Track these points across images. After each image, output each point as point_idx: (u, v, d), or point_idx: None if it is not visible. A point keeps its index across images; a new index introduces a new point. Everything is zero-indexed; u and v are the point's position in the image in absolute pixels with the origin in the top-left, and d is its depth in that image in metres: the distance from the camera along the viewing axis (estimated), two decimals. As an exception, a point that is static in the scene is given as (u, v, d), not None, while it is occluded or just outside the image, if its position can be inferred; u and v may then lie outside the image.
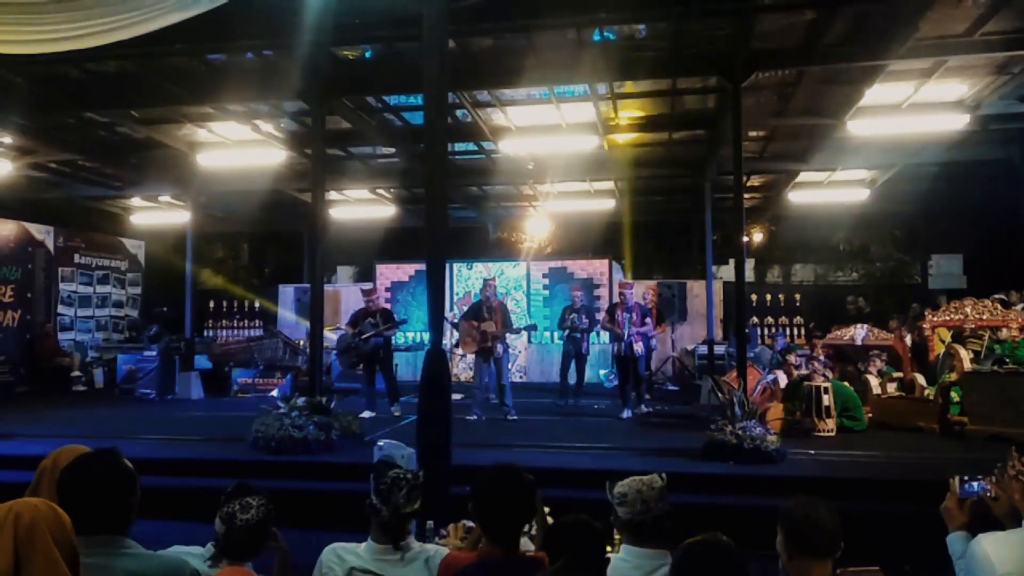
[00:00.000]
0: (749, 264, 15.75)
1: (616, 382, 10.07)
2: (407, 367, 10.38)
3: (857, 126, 9.85)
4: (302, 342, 12.31)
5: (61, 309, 14.12)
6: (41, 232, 13.86)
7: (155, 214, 15.49)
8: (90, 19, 5.13)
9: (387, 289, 14.28)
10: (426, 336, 7.43)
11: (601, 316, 11.72)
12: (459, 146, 11.83)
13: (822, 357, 8.93)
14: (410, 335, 13.50)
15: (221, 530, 2.37)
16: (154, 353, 11.50)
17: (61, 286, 14.12)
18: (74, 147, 11.39)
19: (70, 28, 5.17)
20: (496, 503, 2.39)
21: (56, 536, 1.63)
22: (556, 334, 11.16)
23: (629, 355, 8.89)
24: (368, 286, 14.15)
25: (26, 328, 13.21)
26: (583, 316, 9.93)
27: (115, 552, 2.05)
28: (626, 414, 8.96)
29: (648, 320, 8.97)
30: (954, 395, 7.93)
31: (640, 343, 8.86)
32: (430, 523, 3.34)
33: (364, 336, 9.03)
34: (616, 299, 9.48)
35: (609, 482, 2.55)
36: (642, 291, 12.55)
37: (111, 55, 7.34)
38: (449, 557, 2.40)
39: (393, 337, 9.58)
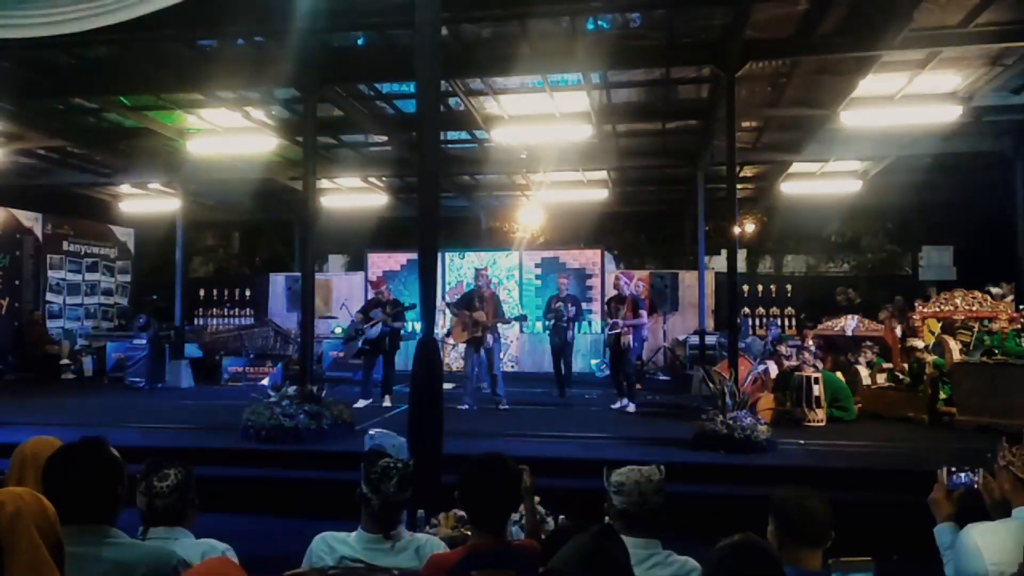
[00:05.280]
0: (741, 255, 15.80)
1: (608, 372, 10.07)
2: (399, 357, 10.40)
3: (850, 117, 9.85)
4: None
5: (50, 296, 14.02)
6: (29, 219, 13.75)
7: (145, 202, 15.37)
8: (78, 3, 5.07)
9: (378, 278, 14.22)
10: (418, 326, 7.40)
11: (590, 305, 11.73)
12: (452, 134, 11.78)
13: (813, 348, 8.97)
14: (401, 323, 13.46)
15: (143, 503, 2.39)
16: (144, 341, 11.43)
17: (50, 273, 14.02)
18: (62, 133, 11.29)
19: (58, 12, 5.11)
20: (480, 491, 2.39)
21: (40, 526, 1.61)
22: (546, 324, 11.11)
23: (616, 347, 8.89)
24: (359, 275, 14.14)
25: (14, 315, 13.12)
26: (569, 305, 9.90)
27: (101, 542, 2.03)
28: (620, 404, 8.95)
29: (642, 311, 8.89)
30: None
31: (630, 335, 8.80)
32: (421, 512, 3.34)
33: (372, 322, 9.01)
34: (612, 291, 9.43)
35: (607, 468, 2.54)
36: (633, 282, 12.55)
37: (100, 40, 7.28)
38: (435, 557, 2.39)
39: (402, 328, 9.55)
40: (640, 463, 2.55)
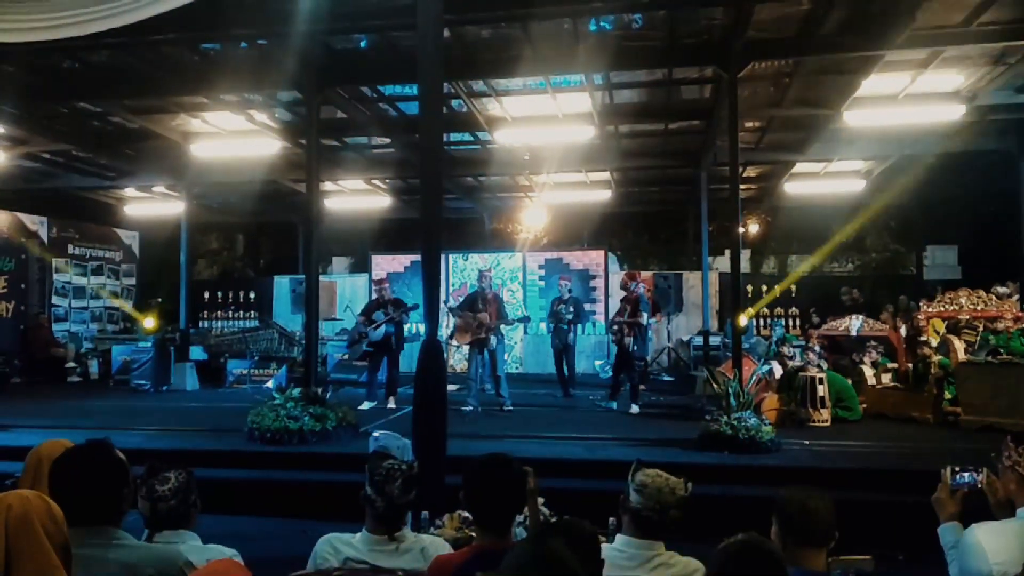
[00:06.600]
0: (745, 255, 15.76)
1: (610, 373, 10.08)
2: (403, 358, 10.45)
3: (853, 117, 9.83)
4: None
5: (55, 300, 14.07)
6: (35, 223, 13.80)
7: (149, 205, 15.42)
8: (83, 6, 5.09)
9: (380, 278, 14.22)
10: (422, 327, 7.40)
11: (594, 306, 11.71)
12: (455, 136, 11.78)
13: (817, 348, 8.95)
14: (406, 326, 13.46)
15: (145, 508, 2.38)
16: (149, 344, 11.48)
17: (55, 277, 14.07)
18: (67, 137, 11.32)
19: (62, 16, 5.13)
20: (486, 492, 2.39)
21: (48, 528, 1.63)
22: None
23: (620, 349, 8.90)
24: (363, 276, 14.18)
25: (20, 319, 13.16)
26: (570, 307, 9.89)
27: (107, 543, 2.04)
28: (608, 405, 8.99)
29: (641, 312, 8.85)
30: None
31: (631, 337, 8.75)
32: (425, 514, 3.34)
33: (376, 324, 9.02)
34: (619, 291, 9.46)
35: (637, 463, 2.54)
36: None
37: (104, 44, 7.30)
38: (440, 559, 2.39)
39: (406, 328, 9.54)
40: (646, 465, 2.55)
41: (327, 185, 14.11)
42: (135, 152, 12.49)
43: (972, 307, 8.99)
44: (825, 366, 8.58)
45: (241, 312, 15.28)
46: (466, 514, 3.24)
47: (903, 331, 10.47)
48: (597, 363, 13.18)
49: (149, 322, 13.08)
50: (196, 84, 8.93)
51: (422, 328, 5.53)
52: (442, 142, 6.91)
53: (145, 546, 2.21)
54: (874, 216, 16.87)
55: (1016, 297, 9.84)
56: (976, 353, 8.06)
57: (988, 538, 2.25)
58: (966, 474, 2.54)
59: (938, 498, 2.58)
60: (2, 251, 13.08)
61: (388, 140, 11.76)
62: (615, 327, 8.89)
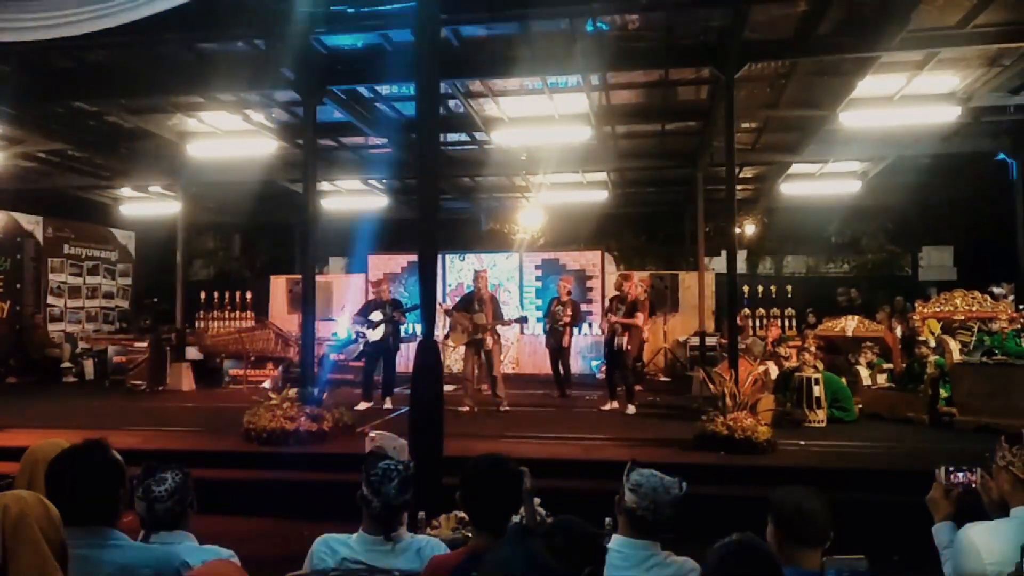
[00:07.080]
0: (741, 256, 15.81)
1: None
2: (399, 359, 10.44)
3: (849, 118, 9.86)
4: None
5: (51, 300, 14.03)
6: (30, 222, 13.76)
7: (145, 204, 15.39)
8: (80, 6, 5.09)
9: (378, 279, 14.19)
10: (418, 328, 7.42)
11: (590, 307, 11.71)
12: (451, 136, 11.78)
13: (813, 348, 8.96)
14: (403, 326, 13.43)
15: (142, 508, 2.37)
16: (144, 344, 11.46)
17: (51, 277, 14.03)
18: (63, 136, 11.30)
19: (59, 16, 5.13)
20: (482, 493, 2.39)
21: (44, 528, 1.63)
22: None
23: (610, 349, 8.92)
24: (360, 277, 14.17)
25: (16, 319, 13.13)
26: (567, 308, 9.88)
27: (103, 544, 2.04)
28: (610, 407, 8.99)
29: (637, 314, 8.87)
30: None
31: (624, 337, 8.77)
32: (421, 514, 3.35)
33: (375, 323, 9.01)
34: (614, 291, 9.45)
35: (632, 462, 2.55)
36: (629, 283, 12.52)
37: (100, 44, 7.28)
38: (436, 559, 2.40)
39: (402, 328, 9.54)
40: (642, 466, 2.56)
41: (324, 185, 14.09)
42: (131, 152, 12.47)
43: (967, 308, 9.01)
44: (822, 367, 8.60)
45: (238, 312, 15.23)
46: (462, 514, 3.24)
47: (899, 332, 10.51)
48: (594, 363, 13.19)
49: (145, 322, 13.05)
50: (192, 84, 8.92)
51: (419, 328, 5.54)
52: (439, 142, 6.92)
53: (141, 547, 2.20)
54: (870, 217, 16.95)
55: (1011, 298, 9.88)
56: (971, 354, 8.08)
57: (982, 538, 2.27)
58: (960, 474, 2.55)
59: (932, 498, 2.59)
60: (-3, 251, 13.06)
61: (385, 140, 11.76)
62: (606, 326, 8.89)
